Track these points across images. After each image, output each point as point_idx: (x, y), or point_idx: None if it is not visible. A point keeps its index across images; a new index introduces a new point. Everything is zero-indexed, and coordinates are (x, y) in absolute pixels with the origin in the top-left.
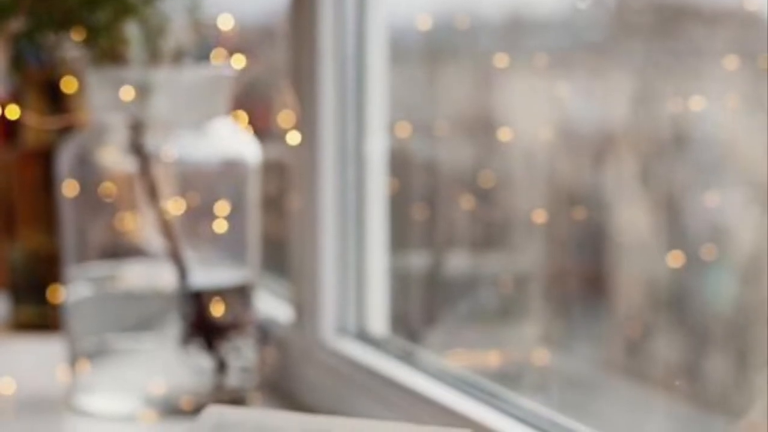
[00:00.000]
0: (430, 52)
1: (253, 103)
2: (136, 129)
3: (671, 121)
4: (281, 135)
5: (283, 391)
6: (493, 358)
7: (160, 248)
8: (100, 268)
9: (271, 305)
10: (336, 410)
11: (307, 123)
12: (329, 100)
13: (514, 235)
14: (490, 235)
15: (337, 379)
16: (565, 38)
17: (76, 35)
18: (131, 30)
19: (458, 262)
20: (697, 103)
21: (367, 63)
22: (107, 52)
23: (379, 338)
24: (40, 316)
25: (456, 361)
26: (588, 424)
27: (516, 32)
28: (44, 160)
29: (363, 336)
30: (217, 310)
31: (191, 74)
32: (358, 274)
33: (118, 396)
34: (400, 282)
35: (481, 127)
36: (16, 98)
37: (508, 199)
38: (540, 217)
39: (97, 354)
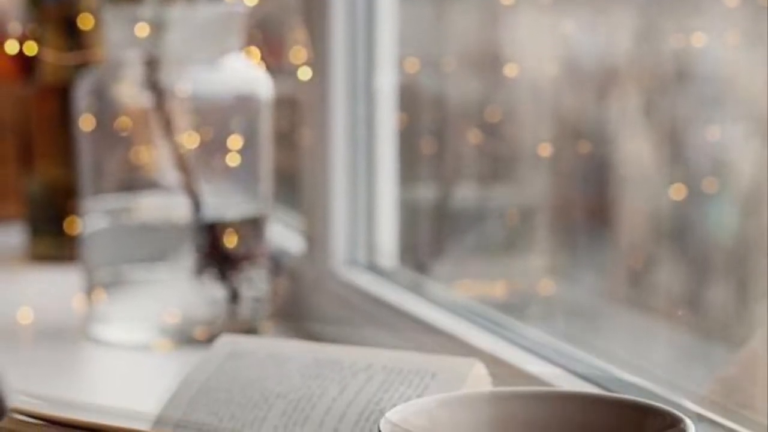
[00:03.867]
0: None
1: (265, 40)
2: (151, 65)
3: (673, 57)
4: (293, 70)
5: (294, 320)
6: (499, 289)
7: (175, 181)
8: (116, 201)
9: (283, 237)
10: (346, 339)
11: (318, 59)
12: (340, 36)
13: (520, 168)
14: (497, 168)
15: (347, 309)
16: None
17: None
18: None
19: (465, 195)
20: (698, 39)
21: None
22: None
23: (388, 269)
24: (57, 248)
25: (463, 292)
26: (592, 352)
27: None
28: (61, 95)
29: (372, 267)
30: (230, 241)
31: (205, 11)
32: (368, 206)
33: (133, 325)
34: (408, 214)
35: (488, 63)
36: (33, 34)
37: (514, 132)
38: (545, 150)
39: (113, 284)
